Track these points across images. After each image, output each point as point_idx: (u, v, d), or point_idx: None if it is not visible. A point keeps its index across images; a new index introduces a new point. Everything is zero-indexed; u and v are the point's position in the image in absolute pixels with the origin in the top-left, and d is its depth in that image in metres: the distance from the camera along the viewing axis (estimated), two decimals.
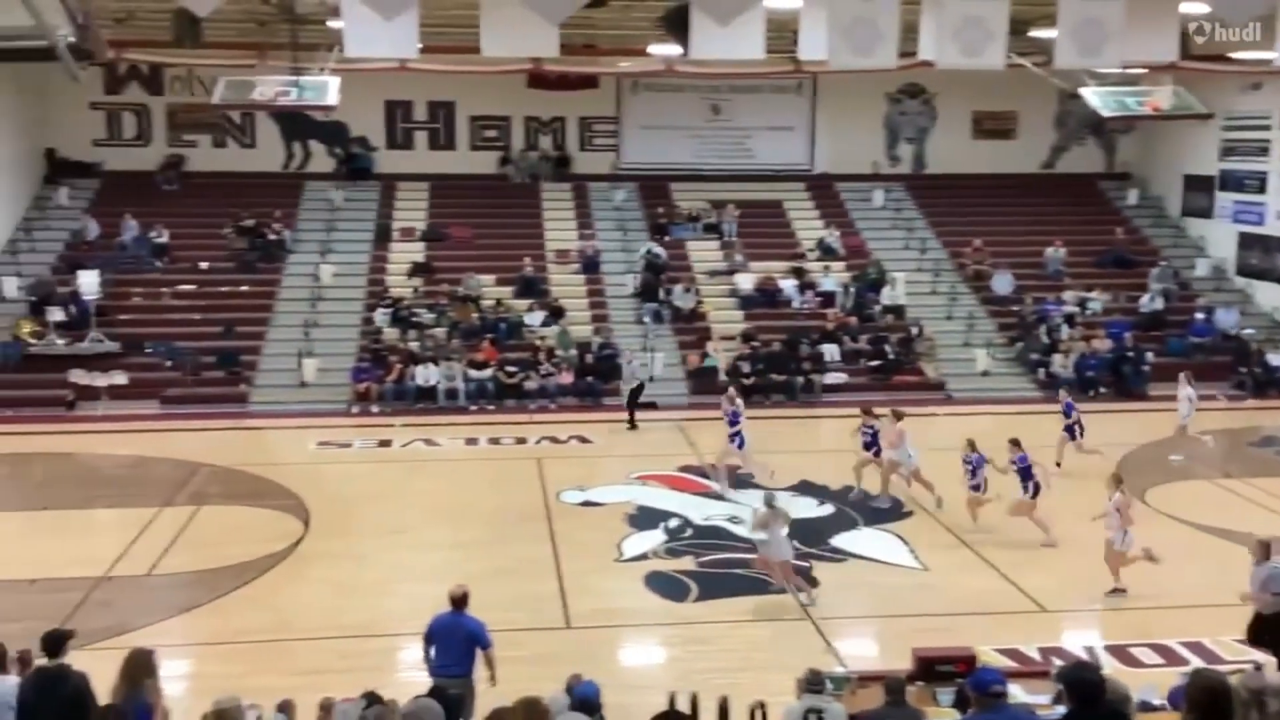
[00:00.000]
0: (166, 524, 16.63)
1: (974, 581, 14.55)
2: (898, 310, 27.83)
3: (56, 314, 25.23)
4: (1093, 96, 16.23)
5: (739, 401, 18.60)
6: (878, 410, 18.44)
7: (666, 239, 29.66)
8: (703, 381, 25.16)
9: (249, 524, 16.72)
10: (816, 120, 32.73)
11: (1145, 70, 16.61)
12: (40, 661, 8.17)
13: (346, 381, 24.43)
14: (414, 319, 26.32)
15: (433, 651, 9.89)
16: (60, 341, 24.81)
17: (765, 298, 28.12)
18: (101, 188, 30.01)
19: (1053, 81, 18.92)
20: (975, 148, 32.90)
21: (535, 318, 26.76)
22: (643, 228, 30.37)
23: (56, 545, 16.01)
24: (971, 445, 16.35)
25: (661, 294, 27.61)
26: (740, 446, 18.26)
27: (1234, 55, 17.86)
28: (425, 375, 24.51)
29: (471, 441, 21.81)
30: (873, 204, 31.95)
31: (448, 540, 15.96)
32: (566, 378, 24.85)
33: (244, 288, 27.20)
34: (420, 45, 14.46)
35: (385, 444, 21.75)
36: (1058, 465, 18.84)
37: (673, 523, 16.76)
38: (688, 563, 15.23)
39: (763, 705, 9.00)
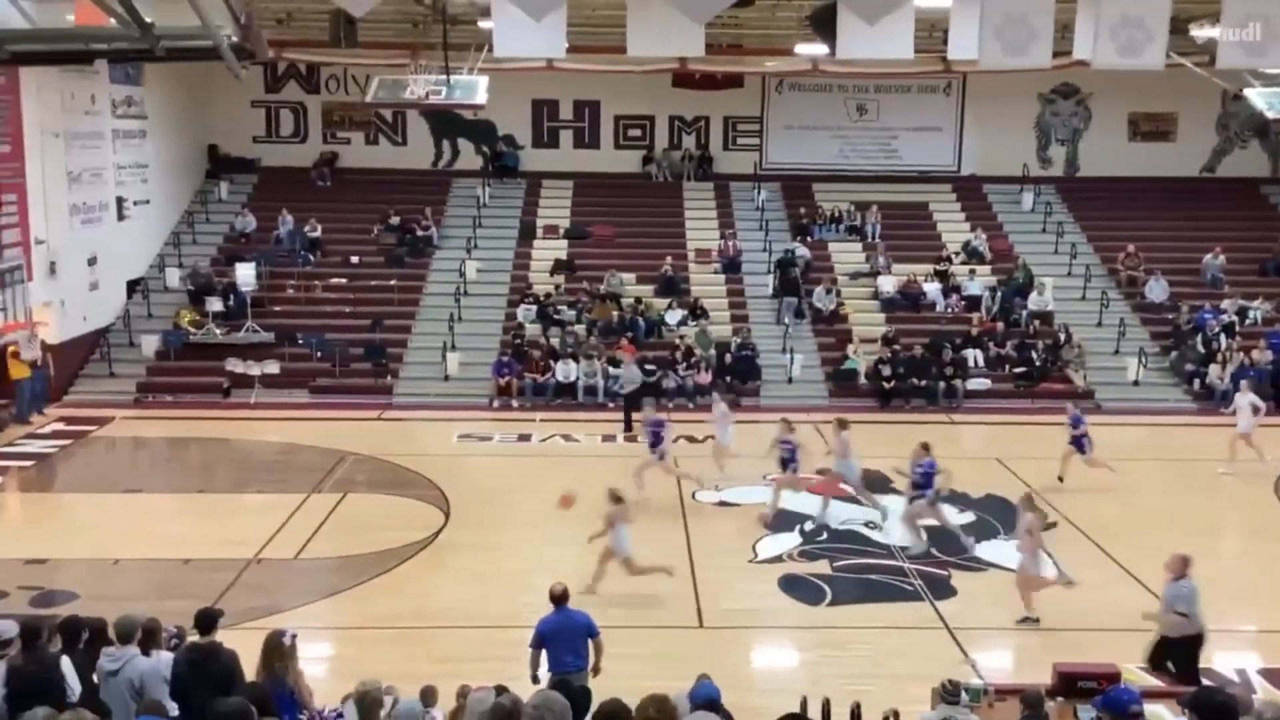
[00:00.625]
0: (313, 510, 17.18)
1: (1121, 595, 14.02)
2: (1045, 316, 27.08)
3: (215, 304, 26.32)
4: (1258, 98, 15.56)
5: (660, 416, 17.92)
6: (791, 420, 17.70)
7: (809, 240, 29.42)
8: (843, 384, 24.90)
9: (391, 512, 17.16)
10: (965, 121, 32.08)
11: None
12: (193, 638, 8.54)
13: (488, 376, 24.86)
14: (556, 316, 26.67)
15: (543, 655, 9.84)
16: (218, 331, 25.85)
17: (908, 300, 27.67)
18: (259, 183, 31.19)
19: (1215, 82, 18.17)
20: (1131, 150, 31.93)
21: (674, 316, 26.84)
22: (784, 228, 30.20)
23: (210, 527, 16.72)
24: (925, 448, 15.64)
25: (802, 294, 27.40)
26: (661, 458, 17.78)
27: None
28: (565, 371, 24.82)
29: (609, 438, 21.98)
30: (1022, 207, 31.18)
31: (583, 535, 16.10)
32: (704, 377, 24.85)
33: (392, 282, 27.92)
34: (567, 45, 14.65)
35: (525, 438, 22.07)
36: (1060, 480, 18.18)
37: (808, 525, 16.63)
38: (823, 566, 15.08)
39: (896, 713, 8.85)
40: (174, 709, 7.65)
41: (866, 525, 16.64)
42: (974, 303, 27.43)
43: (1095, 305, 27.42)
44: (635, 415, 21.29)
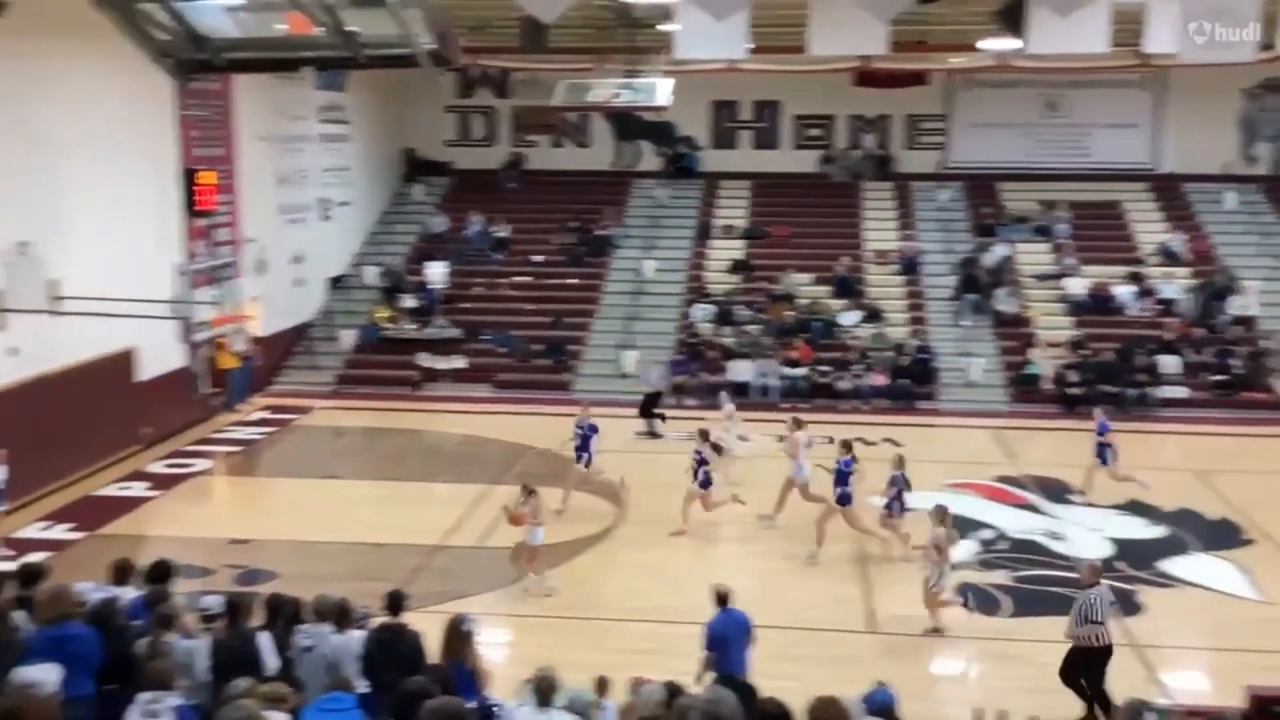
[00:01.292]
0: (496, 500, 17.71)
1: None
2: (1248, 321, 25.74)
3: (408, 301, 27.44)
4: None
5: (590, 421, 17.40)
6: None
7: (992, 241, 28.71)
8: (1024, 389, 24.24)
9: (569, 505, 17.55)
10: (1163, 117, 30.74)
11: None
12: (383, 619, 8.99)
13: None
14: (732, 315, 26.76)
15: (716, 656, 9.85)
16: (410, 326, 26.90)
17: (1098, 304, 26.68)
18: (451, 185, 32.26)
19: None
20: None
21: (850, 318, 26.59)
22: (966, 228, 29.55)
23: (400, 513, 17.44)
24: (846, 447, 15.08)
25: (983, 291, 26.77)
26: (587, 465, 17.33)
27: None
28: (740, 371, 24.89)
29: (781, 439, 21.90)
30: (1224, 206, 29.66)
31: (753, 534, 16.19)
32: (880, 379, 24.55)
33: (572, 281, 28.49)
34: (748, 46, 14.71)
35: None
36: (1083, 493, 17.22)
37: (987, 534, 16.28)
38: (1001, 576, 14.77)
39: None
40: (361, 686, 8.06)
41: (1048, 535, 16.19)
42: (1169, 307, 26.29)
43: None
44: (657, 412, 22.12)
